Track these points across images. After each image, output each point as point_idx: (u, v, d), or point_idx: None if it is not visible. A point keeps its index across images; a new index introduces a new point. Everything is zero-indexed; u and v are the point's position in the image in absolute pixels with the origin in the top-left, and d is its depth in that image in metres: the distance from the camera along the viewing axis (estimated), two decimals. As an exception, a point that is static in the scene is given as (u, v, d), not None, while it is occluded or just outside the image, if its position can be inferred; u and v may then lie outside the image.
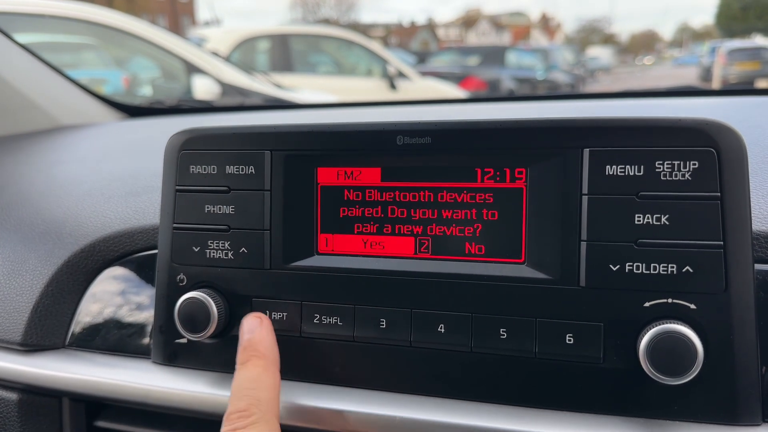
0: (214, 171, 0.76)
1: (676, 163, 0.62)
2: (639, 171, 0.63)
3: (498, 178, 0.68)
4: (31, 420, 0.87)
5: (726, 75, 15.72)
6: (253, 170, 0.75)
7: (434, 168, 0.70)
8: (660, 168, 0.62)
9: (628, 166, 0.63)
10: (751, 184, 0.63)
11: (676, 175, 0.62)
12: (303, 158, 0.74)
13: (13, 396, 0.87)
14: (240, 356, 0.71)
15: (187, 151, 0.77)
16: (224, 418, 0.65)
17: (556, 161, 0.66)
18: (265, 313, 0.75)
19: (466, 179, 0.69)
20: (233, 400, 0.66)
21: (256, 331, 0.72)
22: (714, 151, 0.61)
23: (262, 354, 0.70)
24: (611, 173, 0.64)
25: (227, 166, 0.76)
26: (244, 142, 0.75)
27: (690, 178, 0.62)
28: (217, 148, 0.76)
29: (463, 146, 0.68)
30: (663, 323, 0.61)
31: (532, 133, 0.67)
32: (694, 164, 0.62)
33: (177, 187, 0.78)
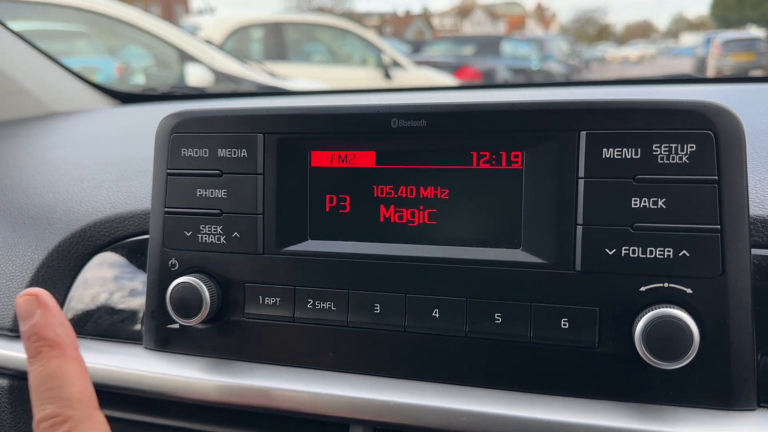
0: (206, 154, 0.75)
1: (673, 146, 0.61)
2: (636, 154, 0.62)
3: (494, 162, 0.68)
4: (21, 406, 0.86)
5: (721, 66, 15.73)
6: (245, 153, 0.74)
7: (429, 151, 0.69)
8: (657, 151, 0.62)
9: (624, 149, 0.63)
10: (748, 168, 0.62)
11: (673, 158, 0.61)
12: (296, 141, 0.73)
13: (3, 382, 0.86)
14: (27, 349, 0.58)
15: (179, 134, 0.76)
16: (34, 428, 0.55)
17: (552, 144, 0.65)
18: (258, 299, 0.74)
19: (462, 162, 0.68)
20: (37, 405, 0.55)
21: (37, 314, 0.58)
22: (712, 133, 0.61)
23: (52, 341, 0.57)
24: (608, 156, 0.63)
25: (219, 150, 0.75)
26: (236, 124, 0.74)
27: (687, 161, 0.61)
28: (209, 131, 0.75)
29: (459, 129, 0.68)
30: (659, 307, 0.61)
31: (528, 116, 0.66)
32: (692, 147, 0.61)
33: (168, 170, 0.77)
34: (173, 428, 0.81)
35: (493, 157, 0.68)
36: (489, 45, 15.79)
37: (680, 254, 0.62)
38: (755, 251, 0.65)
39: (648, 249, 0.62)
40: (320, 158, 0.73)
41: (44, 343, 0.57)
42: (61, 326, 0.59)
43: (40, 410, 0.55)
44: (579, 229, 0.64)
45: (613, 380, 0.64)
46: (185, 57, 3.47)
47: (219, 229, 0.75)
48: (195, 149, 0.75)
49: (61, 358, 0.57)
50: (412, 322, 0.70)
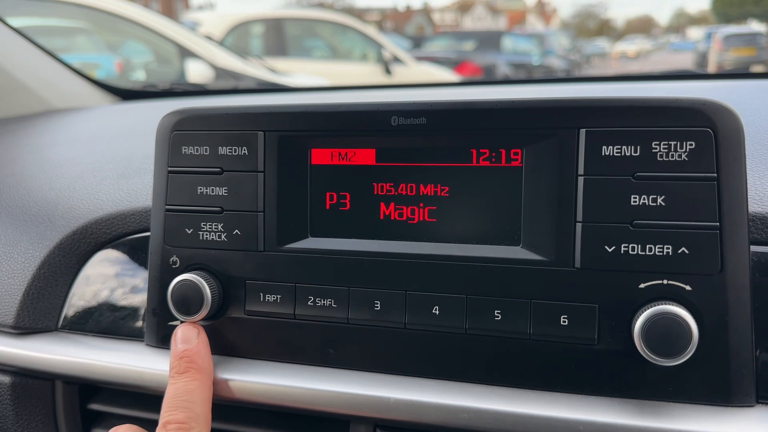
0: (206, 152, 0.75)
1: (672, 143, 0.61)
2: (635, 151, 0.62)
3: (493, 159, 0.68)
4: (24, 403, 0.87)
5: (721, 61, 15.69)
6: (246, 151, 0.74)
7: (429, 149, 0.70)
8: (657, 148, 0.62)
9: (624, 147, 0.63)
10: (748, 165, 0.62)
11: (672, 156, 0.62)
12: (297, 139, 0.73)
13: (6, 379, 0.87)
14: (175, 366, 0.70)
15: (180, 132, 0.76)
16: (159, 428, 0.64)
17: (551, 142, 0.65)
18: (258, 296, 0.74)
19: (462, 160, 0.68)
20: (169, 410, 0.65)
21: (194, 342, 0.72)
22: (711, 131, 0.61)
23: (199, 367, 0.70)
24: (607, 154, 0.63)
25: (220, 147, 0.75)
26: (237, 122, 0.74)
27: (687, 159, 0.61)
28: (209, 128, 0.75)
29: (459, 127, 0.68)
30: (658, 304, 0.61)
31: (528, 114, 0.66)
32: (691, 145, 0.61)
33: (169, 168, 0.77)
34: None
35: (493, 154, 0.68)
36: (489, 40, 15.79)
37: (679, 251, 0.62)
38: (754, 248, 0.65)
39: (647, 246, 0.63)
40: (321, 156, 0.73)
41: (193, 366, 0.70)
42: (208, 357, 0.72)
43: (170, 414, 0.65)
44: (578, 226, 0.64)
45: (613, 377, 0.64)
46: (185, 53, 3.47)
47: (220, 227, 0.75)
48: (196, 147, 0.76)
49: (201, 381, 0.69)
50: (413, 319, 0.70)
